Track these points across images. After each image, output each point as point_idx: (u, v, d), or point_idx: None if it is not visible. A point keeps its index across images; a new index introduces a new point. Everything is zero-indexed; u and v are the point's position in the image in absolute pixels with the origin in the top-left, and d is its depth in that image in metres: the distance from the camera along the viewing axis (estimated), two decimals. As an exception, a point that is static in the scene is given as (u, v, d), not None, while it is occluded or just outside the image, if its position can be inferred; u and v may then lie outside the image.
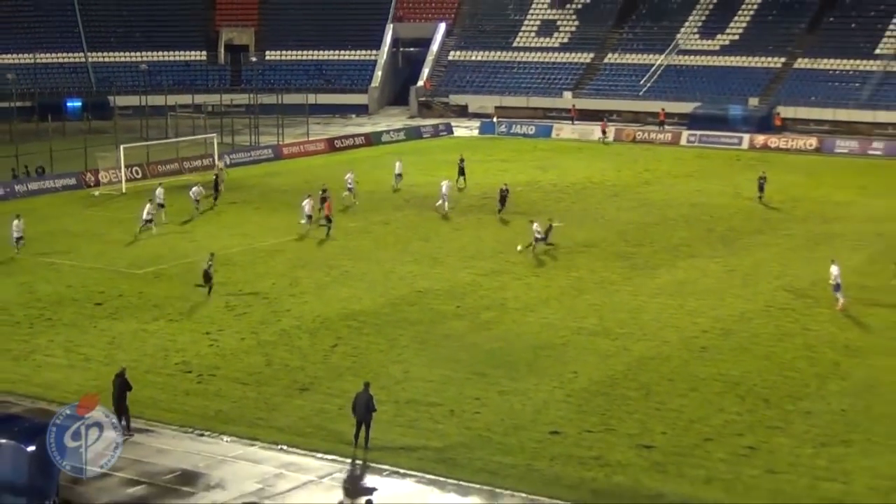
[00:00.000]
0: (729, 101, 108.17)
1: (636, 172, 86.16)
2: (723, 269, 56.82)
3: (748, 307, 50.21)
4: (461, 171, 79.09)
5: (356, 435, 35.39)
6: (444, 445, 35.54)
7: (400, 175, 79.16)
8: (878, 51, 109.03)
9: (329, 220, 64.05)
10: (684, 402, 39.18)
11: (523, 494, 32.51)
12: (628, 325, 47.65)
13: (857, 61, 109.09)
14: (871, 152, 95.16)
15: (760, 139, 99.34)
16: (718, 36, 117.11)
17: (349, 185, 73.54)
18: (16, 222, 59.43)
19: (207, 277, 52.17)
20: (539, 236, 58.93)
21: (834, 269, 49.49)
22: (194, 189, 71.06)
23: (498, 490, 32.84)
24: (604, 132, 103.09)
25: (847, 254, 59.17)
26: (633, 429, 36.94)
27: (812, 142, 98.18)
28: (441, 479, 33.68)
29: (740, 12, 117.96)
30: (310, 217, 65.20)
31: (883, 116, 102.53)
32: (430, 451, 35.27)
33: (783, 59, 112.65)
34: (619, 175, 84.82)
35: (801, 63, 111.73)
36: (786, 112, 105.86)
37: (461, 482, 33.34)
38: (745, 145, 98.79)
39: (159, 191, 69.95)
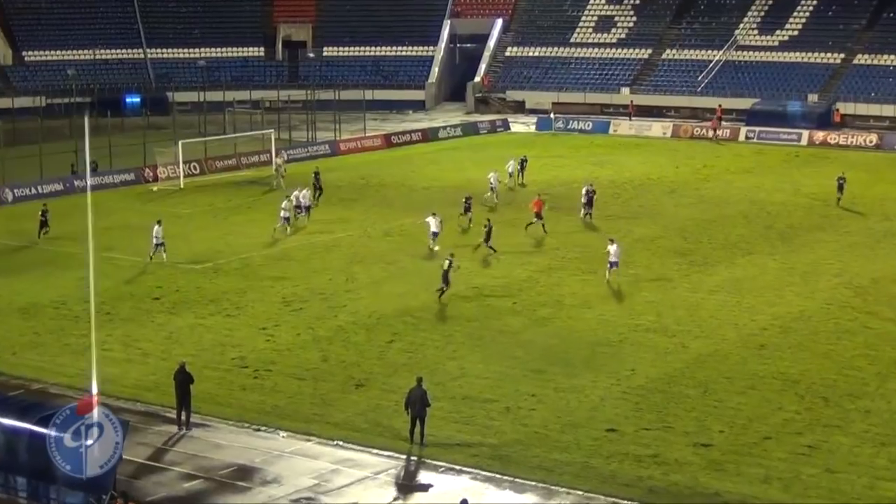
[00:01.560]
0: (787, 98, 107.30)
1: (694, 169, 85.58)
2: (781, 266, 56.34)
3: (807, 305, 49.75)
4: (522, 168, 78.80)
5: (411, 431, 35.32)
6: (500, 442, 35.38)
7: (513, 174, 78.43)
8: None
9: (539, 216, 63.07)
10: (742, 401, 38.85)
11: (579, 492, 32.33)
12: (686, 322, 47.33)
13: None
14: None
15: (819, 135, 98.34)
16: (777, 32, 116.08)
17: (492, 185, 71.96)
18: (157, 228, 57.42)
19: (446, 279, 51.03)
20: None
21: None
22: (303, 192, 66.91)
23: (553, 487, 32.67)
24: (715, 130, 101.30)
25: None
26: (691, 427, 36.66)
27: (872, 138, 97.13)
28: (497, 475, 33.55)
29: (799, 8, 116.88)
30: (435, 234, 60.03)
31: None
32: (485, 448, 35.14)
33: (842, 55, 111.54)
34: (676, 171, 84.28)
35: (861, 59, 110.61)
36: (845, 108, 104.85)
37: (517, 479, 33.19)
38: (803, 142, 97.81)
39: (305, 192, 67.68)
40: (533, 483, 32.93)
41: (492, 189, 70.96)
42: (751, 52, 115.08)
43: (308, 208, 66.26)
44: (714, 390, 39.79)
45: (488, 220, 60.08)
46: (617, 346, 44.61)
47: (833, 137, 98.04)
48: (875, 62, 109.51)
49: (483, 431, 36.09)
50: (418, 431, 35.23)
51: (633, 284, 52.98)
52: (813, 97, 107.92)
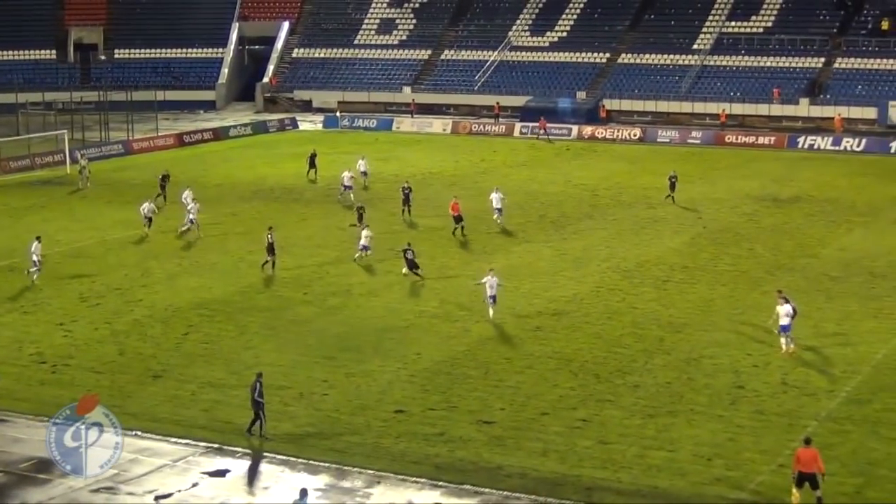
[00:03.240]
0: (558, 95, 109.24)
1: (473, 163, 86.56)
2: (555, 252, 57.41)
3: (579, 288, 50.82)
4: (312, 164, 78.34)
5: (250, 424, 34.98)
6: (294, 427, 35.28)
7: (365, 173, 76.27)
8: (695, 46, 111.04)
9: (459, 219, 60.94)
10: (521, 379, 39.51)
11: (371, 472, 32.46)
12: (467, 307, 47.82)
13: (676, 56, 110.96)
14: (690, 141, 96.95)
15: (588, 130, 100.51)
16: (547, 33, 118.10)
17: (346, 184, 70.50)
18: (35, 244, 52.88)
19: (271, 250, 52.83)
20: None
21: (781, 309, 42.27)
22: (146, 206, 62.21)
23: (346, 468, 32.73)
24: (544, 129, 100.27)
25: (670, 236, 60.50)
26: (474, 406, 37.14)
27: (636, 132, 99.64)
28: (291, 458, 33.47)
29: (567, 11, 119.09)
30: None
31: (700, 108, 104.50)
32: (280, 433, 34.99)
33: (608, 55, 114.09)
34: (456, 166, 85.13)
35: (625, 58, 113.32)
36: (611, 104, 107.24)
37: (311, 461, 33.16)
38: (573, 136, 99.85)
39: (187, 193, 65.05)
40: (326, 464, 32.95)
41: (346, 187, 70.37)
42: (524, 53, 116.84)
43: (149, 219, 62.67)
44: (495, 370, 40.38)
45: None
46: (403, 331, 44.87)
47: (600, 132, 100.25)
48: (638, 61, 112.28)
49: (278, 417, 35.88)
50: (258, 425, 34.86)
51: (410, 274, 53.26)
52: (581, 94, 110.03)
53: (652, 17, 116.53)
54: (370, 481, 32.06)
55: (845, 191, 73.23)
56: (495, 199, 63.27)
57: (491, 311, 45.72)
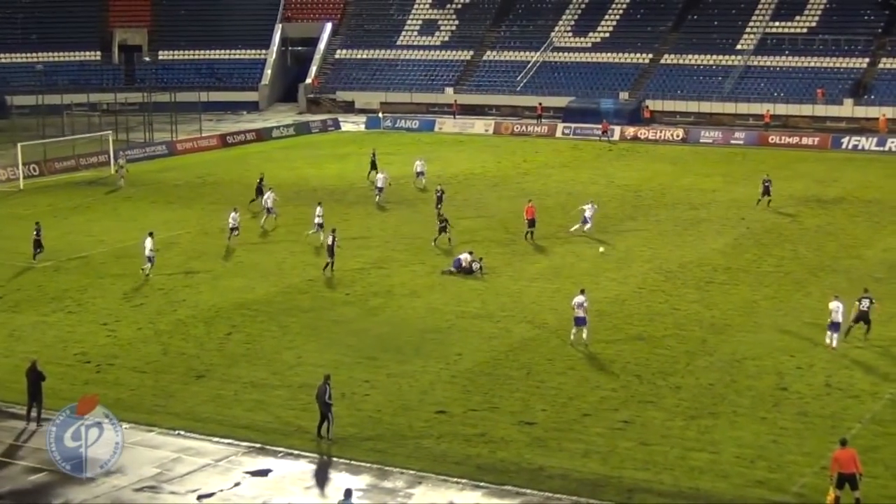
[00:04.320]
0: (601, 96, 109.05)
1: (515, 164, 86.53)
2: (597, 253, 57.24)
3: (621, 289, 50.71)
4: (373, 165, 77.96)
5: (318, 427, 34.93)
6: (336, 427, 35.33)
7: (422, 173, 76.22)
8: (738, 46, 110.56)
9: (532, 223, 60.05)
10: (563, 381, 39.45)
11: (412, 472, 32.50)
12: (509, 308, 47.86)
13: (719, 57, 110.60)
14: (733, 142, 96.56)
15: (630, 131, 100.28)
16: (590, 34, 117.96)
17: (380, 185, 70.47)
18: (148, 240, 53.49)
19: (331, 253, 52.92)
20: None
21: (833, 305, 42.72)
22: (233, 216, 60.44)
23: (387, 468, 32.79)
24: (604, 132, 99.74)
25: (713, 237, 60.28)
26: (516, 407, 37.12)
27: (678, 133, 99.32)
28: (334, 459, 33.58)
29: (610, 12, 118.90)
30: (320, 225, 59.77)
31: (743, 108, 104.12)
32: (323, 433, 35.05)
33: (650, 56, 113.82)
34: (498, 166, 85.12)
35: (668, 59, 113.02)
36: (654, 105, 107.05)
37: (352, 461, 33.25)
38: (616, 136, 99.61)
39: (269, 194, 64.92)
40: (368, 465, 33.01)
41: (380, 189, 70.57)
42: (566, 54, 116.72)
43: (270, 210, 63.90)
44: (536, 371, 40.35)
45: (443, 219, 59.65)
46: (445, 332, 44.90)
47: (643, 132, 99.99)
48: (680, 62, 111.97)
49: (320, 417, 35.98)
50: (325, 427, 34.81)
51: (452, 275, 53.27)
52: (624, 95, 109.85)
53: (695, 17, 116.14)
54: (412, 482, 32.09)
55: (889, 192, 72.68)
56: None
57: (573, 334, 43.22)
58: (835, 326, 42.17)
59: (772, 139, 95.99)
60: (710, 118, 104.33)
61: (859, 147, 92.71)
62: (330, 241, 53.21)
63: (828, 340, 42.22)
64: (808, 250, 57.51)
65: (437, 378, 39.84)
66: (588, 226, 61.38)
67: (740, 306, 47.99)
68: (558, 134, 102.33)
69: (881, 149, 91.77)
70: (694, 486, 31.61)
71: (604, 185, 76.46)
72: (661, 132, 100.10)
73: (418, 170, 76.44)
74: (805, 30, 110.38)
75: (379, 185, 70.64)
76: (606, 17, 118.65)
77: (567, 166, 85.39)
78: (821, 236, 60.58)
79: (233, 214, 59.49)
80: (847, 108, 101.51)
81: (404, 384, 39.29)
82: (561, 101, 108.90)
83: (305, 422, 35.68)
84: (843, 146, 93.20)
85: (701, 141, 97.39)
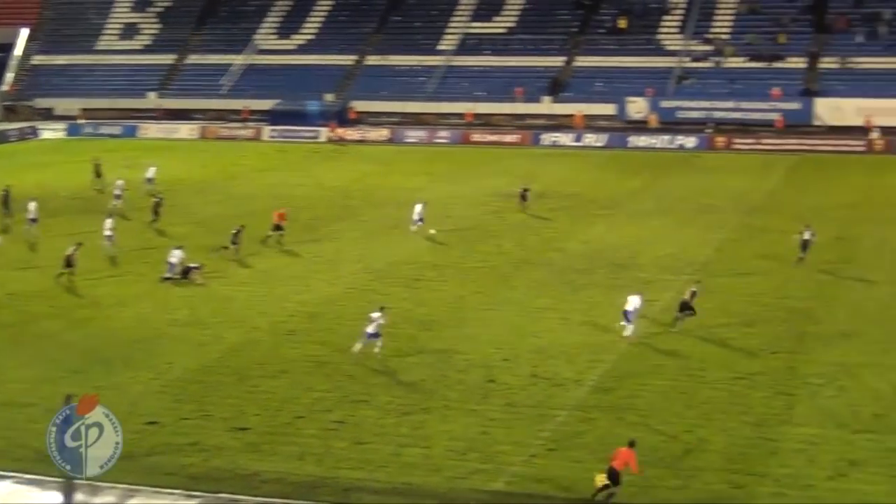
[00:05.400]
0: (307, 98, 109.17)
1: (222, 168, 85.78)
2: (308, 255, 57.34)
3: (332, 290, 50.92)
4: (97, 173, 75.74)
5: None
6: (42, 445, 34.17)
7: (152, 179, 73.72)
8: (439, 47, 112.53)
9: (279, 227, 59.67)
10: (276, 384, 39.30)
11: (124, 486, 31.74)
12: (220, 314, 47.37)
13: (422, 57, 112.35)
14: (437, 141, 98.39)
15: (337, 132, 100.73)
16: (294, 36, 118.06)
17: (118, 193, 68.41)
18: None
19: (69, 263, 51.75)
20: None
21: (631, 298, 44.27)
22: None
23: (98, 484, 31.88)
24: (334, 131, 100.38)
25: (420, 235, 61.07)
26: (228, 413, 36.76)
27: (384, 133, 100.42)
28: (41, 477, 32.45)
29: (313, 14, 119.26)
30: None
31: (447, 107, 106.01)
32: (28, 451, 33.86)
33: (355, 57, 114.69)
34: (205, 171, 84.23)
35: (372, 60, 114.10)
36: (360, 106, 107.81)
37: (61, 479, 32.23)
38: (322, 138, 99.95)
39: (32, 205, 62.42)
40: (80, 482, 32.08)
41: (117, 196, 68.47)
42: (271, 56, 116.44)
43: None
44: (249, 377, 40.04)
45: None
46: (154, 341, 44.04)
47: (350, 133, 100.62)
48: (384, 63, 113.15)
49: (24, 435, 34.75)
50: None
51: (163, 282, 52.47)
52: (330, 96, 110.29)
53: (397, 18, 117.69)
54: (124, 496, 31.34)
55: (588, 185, 75.40)
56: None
57: (358, 347, 41.84)
58: (626, 315, 43.45)
59: (475, 137, 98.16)
60: (414, 118, 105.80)
61: (558, 143, 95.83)
62: (70, 252, 51.84)
63: (625, 332, 43.47)
64: (512, 245, 59.07)
65: (147, 389, 39.05)
66: (418, 224, 61.23)
67: (448, 302, 48.85)
68: (265, 137, 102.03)
69: (578, 144, 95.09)
70: (408, 481, 31.98)
71: (312, 186, 76.62)
72: (367, 133, 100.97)
73: (149, 176, 74.89)
74: (504, 30, 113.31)
75: (116, 192, 68.83)
76: (310, 19, 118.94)
77: (275, 169, 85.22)
78: (523, 231, 62.30)
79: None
80: (545, 106, 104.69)
81: (113, 396, 38.16)
82: (267, 104, 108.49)
83: (7, 442, 34.42)
84: (543, 142, 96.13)
85: (406, 141, 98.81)
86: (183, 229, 63.07)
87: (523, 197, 67.14)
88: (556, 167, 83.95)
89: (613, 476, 30.12)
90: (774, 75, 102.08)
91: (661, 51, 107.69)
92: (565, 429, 35.14)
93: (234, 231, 56.66)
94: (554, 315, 45.76)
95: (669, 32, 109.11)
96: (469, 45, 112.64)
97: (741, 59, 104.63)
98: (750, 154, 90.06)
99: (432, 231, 60.01)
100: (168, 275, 52.22)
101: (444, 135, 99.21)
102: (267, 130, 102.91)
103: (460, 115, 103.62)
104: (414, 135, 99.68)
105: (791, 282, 51.31)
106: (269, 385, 39.23)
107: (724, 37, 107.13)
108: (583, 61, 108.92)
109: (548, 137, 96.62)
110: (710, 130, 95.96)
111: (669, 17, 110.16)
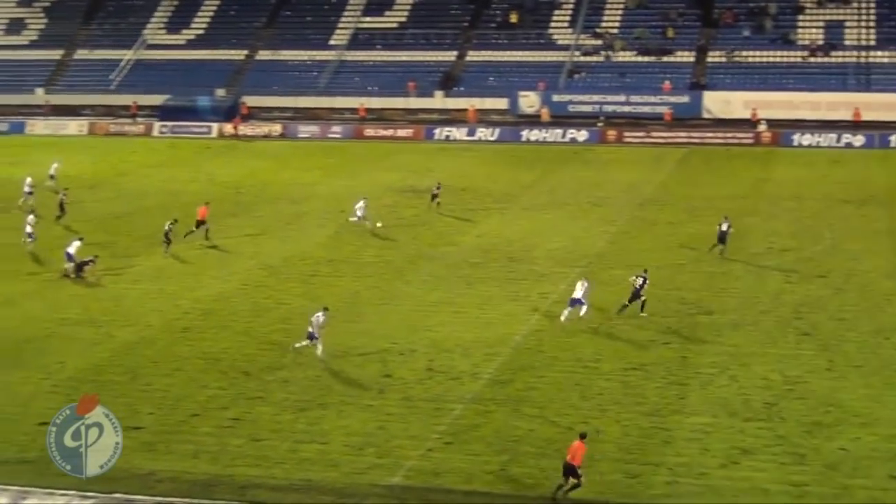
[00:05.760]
0: (198, 93, 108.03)
1: (112, 164, 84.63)
2: (200, 252, 56.84)
3: (226, 287, 50.55)
4: None
5: None
6: (-69, 448, 33.62)
7: (54, 176, 71.52)
8: (331, 42, 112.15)
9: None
10: (170, 382, 38.96)
11: (16, 488, 31.22)
12: (112, 312, 46.80)
13: (314, 52, 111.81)
14: (330, 136, 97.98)
15: (228, 127, 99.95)
16: (184, 31, 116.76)
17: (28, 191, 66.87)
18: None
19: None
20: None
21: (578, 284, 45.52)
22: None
23: (-11, 485, 31.43)
24: (235, 129, 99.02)
25: (314, 231, 60.96)
26: (122, 412, 35.94)
27: (277, 128, 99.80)
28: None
29: (203, 8, 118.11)
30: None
31: (339, 102, 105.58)
32: (-85, 455, 33.27)
33: (246, 52, 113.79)
34: (95, 168, 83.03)
35: (263, 55, 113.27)
36: (252, 101, 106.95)
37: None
38: (214, 134, 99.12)
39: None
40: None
41: (29, 193, 67.14)
42: (160, 51, 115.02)
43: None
44: (142, 375, 39.63)
45: None
46: (45, 341, 43.39)
47: (241, 129, 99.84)
48: (276, 58, 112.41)
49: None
50: None
51: (58, 281, 51.68)
52: (221, 92, 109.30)
53: (288, 13, 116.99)
54: (17, 497, 30.82)
55: (481, 179, 75.66)
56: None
57: (302, 344, 41.44)
58: (572, 301, 44.32)
59: (368, 132, 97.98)
60: (307, 113, 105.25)
61: (451, 137, 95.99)
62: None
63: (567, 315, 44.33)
64: (407, 239, 59.11)
65: (38, 389, 38.45)
66: (356, 218, 60.71)
67: (344, 297, 48.74)
68: (155, 133, 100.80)
69: (472, 138, 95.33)
70: (305, 477, 31.90)
71: (204, 182, 75.94)
72: (259, 128, 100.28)
73: (51, 172, 73.48)
74: (395, 25, 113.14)
75: (27, 189, 67.44)
76: (199, 13, 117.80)
77: (165, 165, 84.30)
78: (418, 225, 62.35)
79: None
80: (438, 100, 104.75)
81: (2, 397, 37.71)
82: (157, 100, 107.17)
83: None
84: (436, 137, 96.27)
85: (299, 136, 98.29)
86: (75, 226, 62.09)
87: (434, 195, 66.62)
88: (450, 161, 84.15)
89: (572, 472, 30.27)
90: (663, 69, 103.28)
91: (552, 45, 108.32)
92: (462, 422, 35.30)
93: (167, 225, 56.09)
94: (449, 309, 45.93)
95: (560, 27, 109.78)
96: (361, 39, 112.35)
97: (631, 53, 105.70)
98: (641, 147, 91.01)
99: (379, 224, 60.08)
100: (67, 266, 51.47)
101: (337, 130, 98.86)
102: (157, 126, 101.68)
103: (353, 110, 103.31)
104: (307, 130, 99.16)
105: (683, 273, 52.04)
106: (163, 383, 38.86)
107: (613, 31, 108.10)
108: (475, 56, 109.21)
109: (441, 132, 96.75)
110: (601, 124, 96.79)
111: (560, 12, 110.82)
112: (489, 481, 31.57)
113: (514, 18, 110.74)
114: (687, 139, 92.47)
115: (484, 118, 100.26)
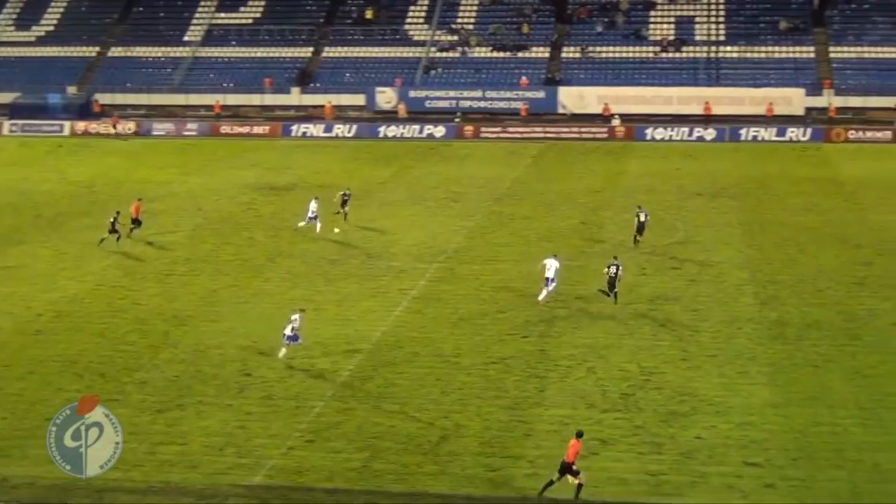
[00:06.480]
0: (48, 90, 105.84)
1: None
2: (54, 253, 55.75)
3: (80, 288, 49.67)
4: None
5: None
6: None
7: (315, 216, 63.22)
8: (185, 38, 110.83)
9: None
10: (24, 386, 38.20)
11: None
12: (-45, 315, 45.71)
13: (168, 48, 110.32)
14: (185, 133, 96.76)
15: (81, 125, 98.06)
16: (33, 28, 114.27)
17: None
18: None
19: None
20: None
21: (548, 262, 47.40)
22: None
23: None
24: (114, 127, 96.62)
25: (169, 229, 60.08)
26: (-29, 419, 35.53)
27: (130, 126, 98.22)
28: None
29: (53, 5, 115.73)
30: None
31: (194, 99, 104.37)
32: None
33: (97, 49, 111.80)
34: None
35: (115, 52, 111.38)
36: (104, 98, 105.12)
37: None
38: (66, 132, 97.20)
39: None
40: None
41: None
42: (10, 48, 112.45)
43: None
44: (-6, 379, 38.84)
45: None
46: None
47: (94, 127, 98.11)
48: (129, 54, 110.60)
49: None
50: None
51: None
52: (73, 89, 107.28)
53: (141, 9, 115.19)
54: None
55: (339, 176, 75.39)
56: None
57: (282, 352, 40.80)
58: (547, 281, 46.46)
59: (223, 129, 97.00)
60: (161, 110, 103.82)
61: (308, 134, 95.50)
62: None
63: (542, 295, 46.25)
64: (265, 237, 58.70)
65: None
66: (305, 222, 59.30)
67: (202, 296, 48.26)
68: (5, 132, 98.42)
69: (329, 135, 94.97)
70: (165, 479, 31.55)
71: (56, 181, 74.47)
72: (112, 127, 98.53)
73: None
74: (251, 20, 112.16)
75: None
76: (50, 10, 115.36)
77: (16, 164, 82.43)
78: (276, 223, 61.94)
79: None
80: (294, 97, 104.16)
81: None
82: (7, 98, 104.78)
83: None
84: (293, 133, 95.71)
85: (154, 133, 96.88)
86: (-81, 229, 60.60)
87: (343, 203, 64.23)
88: (307, 158, 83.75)
89: (569, 470, 30.28)
90: (519, 65, 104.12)
91: (408, 41, 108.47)
92: (323, 419, 35.22)
93: (111, 219, 55.81)
94: (308, 306, 45.69)
95: (416, 23, 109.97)
96: (216, 35, 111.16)
97: (486, 48, 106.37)
98: (497, 142, 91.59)
99: (336, 230, 58.70)
100: None
101: (192, 127, 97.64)
102: (7, 125, 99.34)
103: (209, 107, 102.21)
104: (161, 127, 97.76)
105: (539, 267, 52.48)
106: (16, 387, 38.07)
107: (469, 27, 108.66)
108: (331, 52, 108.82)
109: (298, 129, 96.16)
110: (458, 119, 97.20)
111: (416, 8, 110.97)
112: (351, 478, 31.55)
113: (369, 14, 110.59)
114: (543, 134, 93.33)
115: (341, 114, 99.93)
